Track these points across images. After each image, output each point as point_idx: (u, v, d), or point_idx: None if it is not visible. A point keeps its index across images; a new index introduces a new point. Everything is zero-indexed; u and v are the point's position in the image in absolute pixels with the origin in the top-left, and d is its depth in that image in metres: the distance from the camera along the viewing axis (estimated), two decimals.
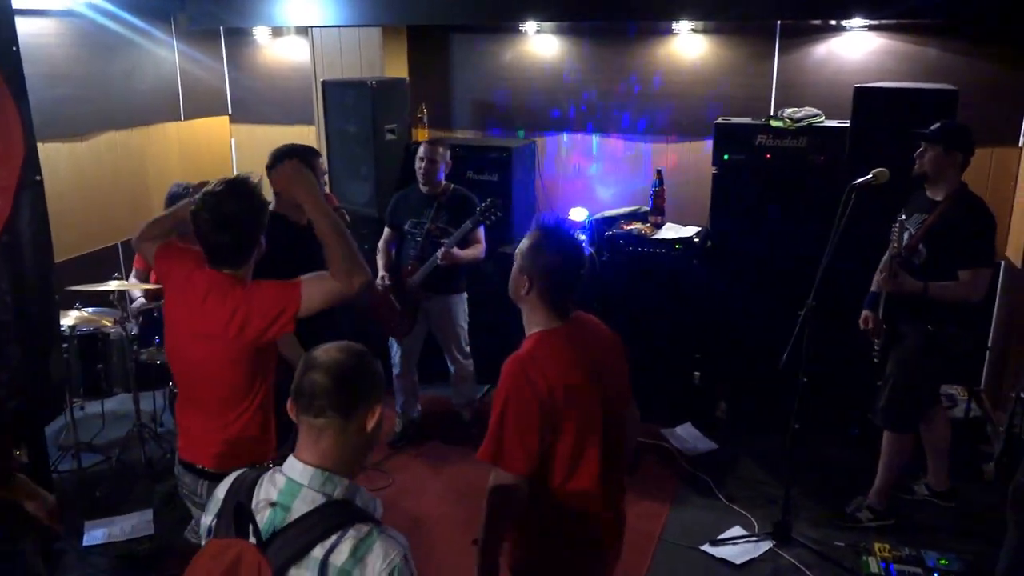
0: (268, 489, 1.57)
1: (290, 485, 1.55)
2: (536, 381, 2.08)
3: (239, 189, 2.34)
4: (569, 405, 2.11)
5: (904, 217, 3.48)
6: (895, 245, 3.46)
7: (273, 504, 1.54)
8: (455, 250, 4.19)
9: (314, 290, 2.27)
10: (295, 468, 1.57)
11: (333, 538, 1.47)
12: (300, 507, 1.52)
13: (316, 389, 1.54)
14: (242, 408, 2.38)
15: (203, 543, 1.62)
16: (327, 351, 1.60)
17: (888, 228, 3.66)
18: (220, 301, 2.29)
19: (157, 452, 4.43)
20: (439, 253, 4.17)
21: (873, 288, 3.80)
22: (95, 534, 3.79)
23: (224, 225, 2.30)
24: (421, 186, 4.28)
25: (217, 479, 2.36)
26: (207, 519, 1.66)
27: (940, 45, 4.65)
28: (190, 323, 2.37)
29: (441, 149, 4.29)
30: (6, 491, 2.39)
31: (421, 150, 4.30)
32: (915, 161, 3.53)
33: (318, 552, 1.47)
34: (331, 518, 1.50)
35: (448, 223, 4.27)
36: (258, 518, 1.52)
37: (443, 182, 4.31)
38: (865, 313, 3.77)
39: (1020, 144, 4.63)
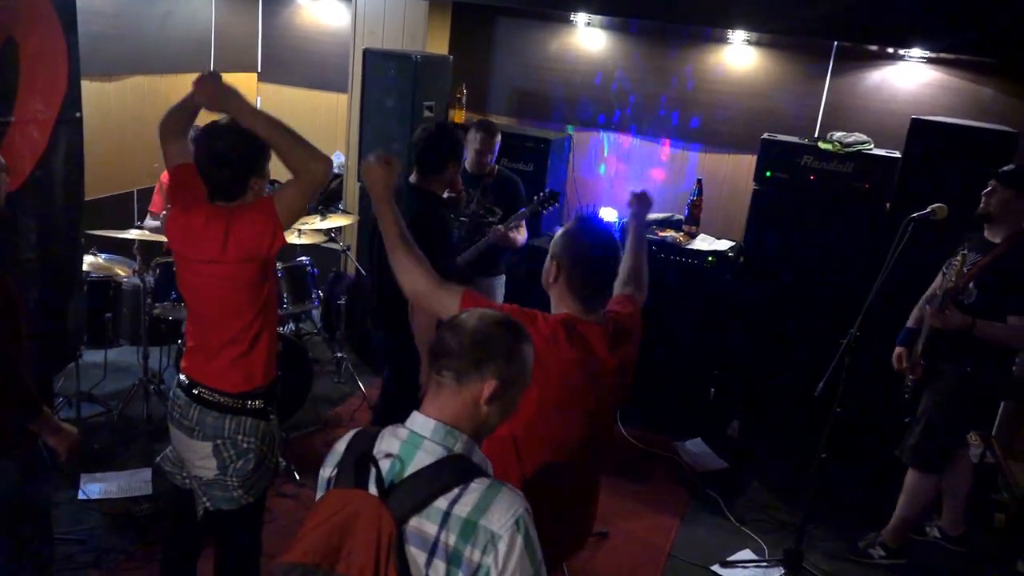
0: (390, 441, 1.57)
1: (413, 437, 1.55)
2: (541, 321, 2.06)
3: (235, 126, 2.35)
4: (558, 376, 2.04)
5: (961, 254, 3.40)
6: (951, 280, 3.38)
7: (393, 456, 1.54)
8: (512, 232, 4.08)
9: (286, 195, 2.33)
10: (416, 421, 1.57)
11: (456, 490, 1.47)
12: (422, 459, 1.52)
13: (442, 347, 1.58)
14: (242, 330, 2.41)
15: (318, 495, 1.64)
16: (470, 315, 1.62)
17: (934, 264, 3.61)
18: (215, 226, 2.33)
19: (159, 409, 4.31)
20: (492, 233, 4.06)
21: (909, 324, 3.74)
22: (91, 488, 3.68)
23: (216, 161, 2.35)
24: (469, 167, 4.17)
25: (212, 405, 2.41)
26: (326, 471, 1.65)
27: (995, 85, 4.59)
28: (191, 248, 2.42)
29: (498, 137, 4.24)
30: (34, 424, 2.42)
31: (478, 140, 4.18)
32: (978, 200, 3.45)
33: (441, 503, 1.46)
34: (454, 470, 1.50)
35: (495, 204, 4.20)
36: (383, 470, 1.53)
37: (490, 164, 4.24)
38: (899, 350, 3.71)
39: None
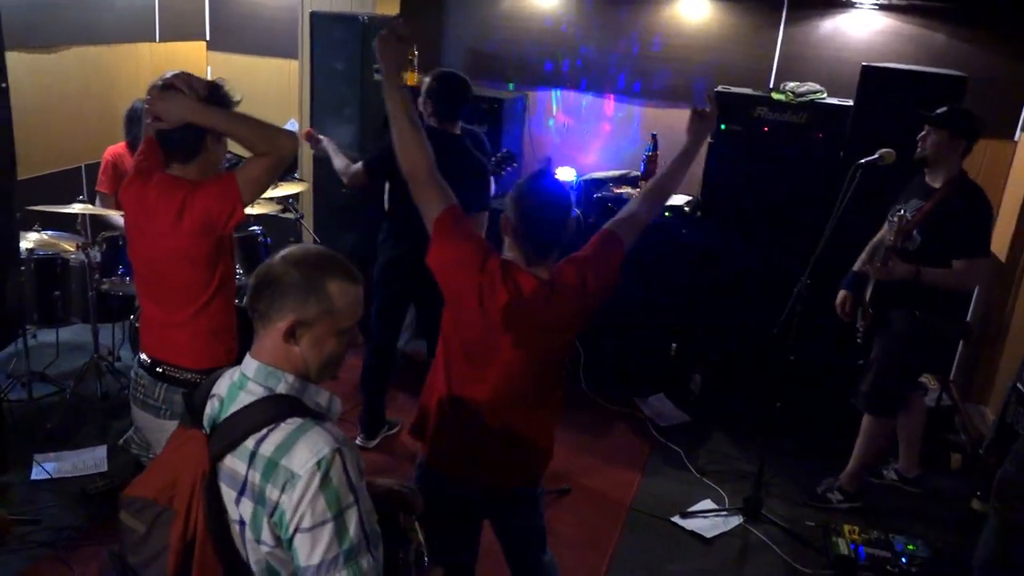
0: (222, 383, 1.61)
1: (240, 378, 1.57)
2: (491, 260, 2.16)
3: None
4: (488, 311, 2.13)
5: (901, 210, 3.39)
6: (890, 239, 3.39)
7: (219, 396, 1.58)
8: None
9: (251, 169, 2.30)
10: (246, 362, 1.59)
11: (265, 430, 1.48)
12: (243, 399, 1.54)
13: (250, 288, 1.59)
14: (200, 305, 2.38)
15: None
16: (281, 253, 1.61)
17: (886, 210, 3.61)
18: (171, 198, 2.29)
19: (114, 386, 4.26)
20: None
21: (855, 268, 3.75)
22: (45, 468, 3.62)
23: (162, 132, 2.31)
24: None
25: (179, 382, 2.38)
26: None
27: (947, 31, 4.57)
28: (144, 219, 2.37)
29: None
30: None
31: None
32: (917, 144, 3.45)
33: (250, 442, 1.48)
34: (267, 410, 1.50)
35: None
36: (208, 410, 1.58)
37: None
38: (843, 293, 3.73)
39: (1015, 139, 4.60)
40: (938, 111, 3.43)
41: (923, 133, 3.42)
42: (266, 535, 1.47)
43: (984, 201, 3.39)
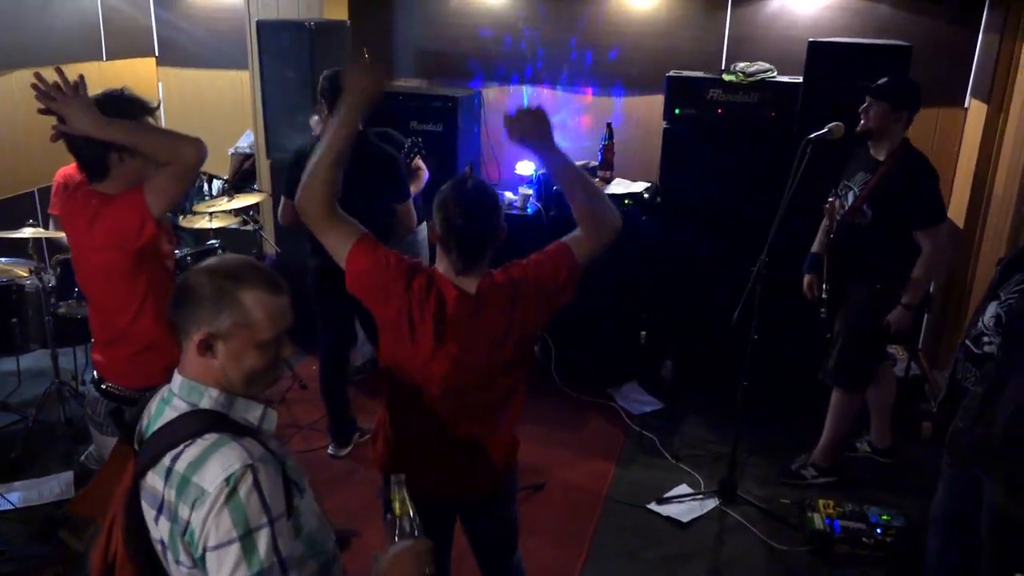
0: (154, 399, 1.57)
1: (168, 394, 1.54)
2: (418, 275, 2.08)
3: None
4: (412, 320, 2.07)
5: (832, 197, 3.43)
6: (827, 222, 3.44)
7: (150, 413, 1.55)
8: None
9: (157, 182, 2.26)
10: (173, 378, 1.55)
11: (181, 446, 1.43)
12: (168, 415, 1.50)
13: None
14: (127, 321, 2.36)
15: None
16: (198, 264, 1.57)
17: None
18: (87, 212, 2.30)
19: (78, 411, 4.18)
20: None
21: (815, 249, 3.77)
22: (10, 497, 3.55)
23: (72, 141, 2.30)
24: None
25: (122, 400, 2.34)
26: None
27: (891, 2, 4.60)
28: (70, 231, 2.39)
29: None
30: None
31: None
32: (860, 117, 3.46)
33: (167, 459, 1.44)
34: (187, 426, 1.46)
35: None
36: (140, 426, 1.55)
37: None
38: (808, 278, 3.75)
39: (965, 105, 4.64)
40: (878, 83, 3.43)
41: (865, 105, 3.43)
42: (183, 556, 1.42)
43: (929, 167, 3.41)
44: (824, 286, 3.62)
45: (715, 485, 3.73)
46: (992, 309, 2.49)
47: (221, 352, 1.48)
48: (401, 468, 2.14)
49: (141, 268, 2.33)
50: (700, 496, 3.70)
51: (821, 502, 3.52)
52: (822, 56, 4.11)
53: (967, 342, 2.59)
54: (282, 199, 3.76)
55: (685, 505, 3.64)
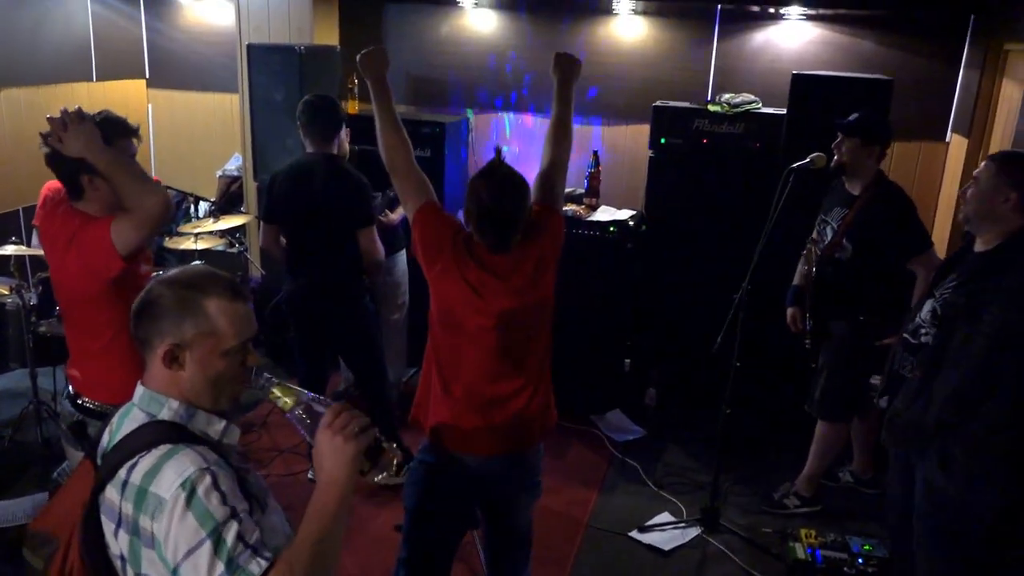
0: (117, 413, 1.56)
1: (128, 406, 1.53)
2: (464, 232, 2.38)
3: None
4: (463, 275, 2.33)
5: (809, 246, 3.51)
6: (805, 266, 3.53)
7: (112, 426, 1.54)
8: (383, 218, 4.07)
9: (120, 226, 2.28)
10: (136, 390, 1.54)
11: (136, 458, 1.41)
12: (128, 427, 1.48)
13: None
14: (106, 340, 2.36)
15: None
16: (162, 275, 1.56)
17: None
18: (64, 233, 2.32)
19: (55, 432, 4.12)
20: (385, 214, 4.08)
21: (796, 281, 3.79)
22: None
23: (48, 159, 2.33)
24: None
25: (98, 415, 2.33)
26: None
27: (875, 38, 4.69)
28: (54, 258, 2.40)
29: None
30: None
31: None
32: (833, 152, 3.48)
33: (123, 472, 1.41)
34: (142, 437, 1.44)
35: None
36: (103, 440, 1.54)
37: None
38: (791, 311, 3.76)
39: (947, 139, 4.71)
40: (848, 119, 3.47)
41: (837, 141, 3.47)
42: (147, 567, 1.39)
43: (905, 198, 3.45)
44: (808, 318, 3.63)
45: (697, 513, 3.71)
46: (928, 305, 2.66)
47: (187, 363, 1.47)
48: (453, 430, 2.37)
49: (116, 293, 2.31)
50: (682, 524, 3.68)
51: (803, 531, 3.50)
52: (806, 89, 4.18)
53: (905, 335, 2.74)
54: (261, 223, 3.76)
55: (667, 533, 3.62)
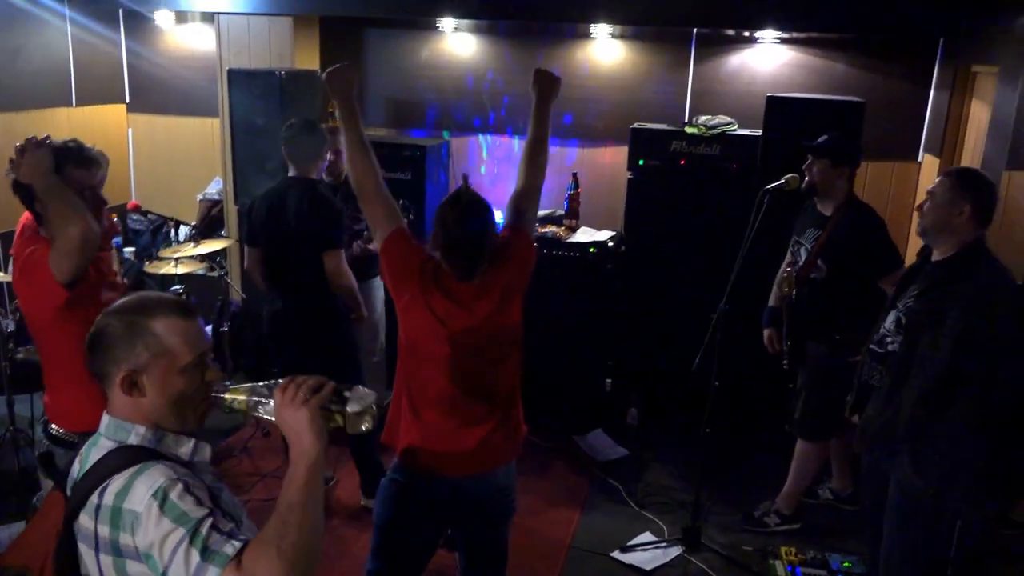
0: (86, 444, 1.56)
1: (96, 435, 1.53)
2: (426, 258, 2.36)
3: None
4: (428, 305, 2.31)
5: (788, 267, 3.59)
6: (786, 289, 3.58)
7: (82, 457, 1.54)
8: (371, 245, 4.08)
9: (54, 253, 2.29)
10: (102, 420, 1.54)
11: (107, 481, 1.43)
12: (94, 456, 1.49)
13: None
14: (68, 370, 2.35)
15: None
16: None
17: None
18: (23, 259, 2.36)
19: (33, 460, 4.09)
20: (355, 246, 4.07)
21: (772, 303, 3.83)
22: None
23: (13, 184, 2.36)
24: (324, 175, 4.10)
25: (60, 443, 2.35)
26: None
27: (847, 61, 4.78)
28: (14, 282, 2.43)
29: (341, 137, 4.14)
30: None
31: (328, 140, 4.10)
32: (804, 174, 3.53)
33: (95, 497, 1.43)
34: (113, 462, 1.45)
35: (356, 210, 4.14)
36: (73, 471, 1.54)
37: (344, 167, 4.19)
38: (768, 332, 3.79)
39: (919, 159, 4.80)
40: (817, 141, 3.54)
41: (808, 163, 3.53)
42: None
43: (876, 218, 3.51)
44: (785, 339, 3.67)
45: (679, 532, 3.73)
46: (892, 315, 2.77)
47: (147, 387, 1.49)
48: (422, 453, 2.38)
49: (75, 321, 2.28)
50: (664, 544, 3.69)
51: (783, 549, 3.53)
52: (780, 111, 4.25)
53: (872, 345, 2.84)
54: (246, 248, 3.78)
55: (649, 553, 3.63)
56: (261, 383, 1.51)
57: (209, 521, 1.36)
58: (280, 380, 1.47)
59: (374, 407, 1.49)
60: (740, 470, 4.30)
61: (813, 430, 3.71)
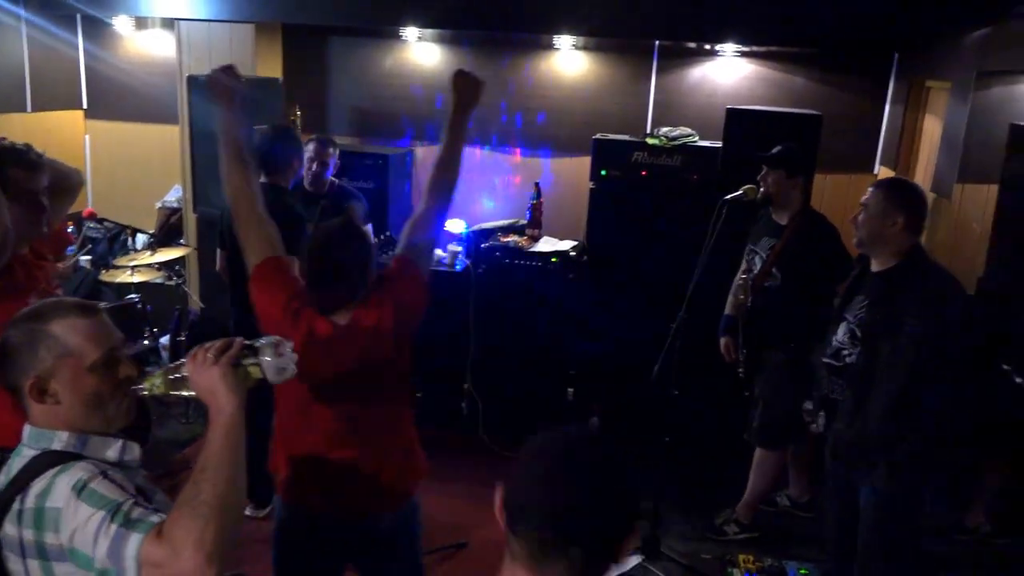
0: (12, 455, 1.51)
1: (19, 447, 1.49)
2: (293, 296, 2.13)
3: None
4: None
5: (744, 275, 3.62)
6: (741, 296, 3.61)
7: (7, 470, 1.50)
8: None
9: None
10: (24, 431, 1.50)
11: (28, 487, 1.40)
12: (18, 465, 1.46)
13: None
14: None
15: None
16: None
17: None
18: None
19: None
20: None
21: (728, 311, 3.86)
22: None
23: None
24: (307, 185, 4.06)
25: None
26: None
27: (805, 75, 4.87)
28: None
29: (331, 149, 4.10)
30: None
31: (311, 149, 4.07)
32: (759, 184, 3.56)
33: (16, 503, 1.40)
34: (35, 467, 1.43)
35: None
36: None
37: (327, 180, 4.15)
38: (724, 340, 3.82)
39: (875, 171, 4.89)
40: (771, 152, 3.58)
41: (763, 174, 3.57)
42: None
43: (830, 227, 3.56)
44: (741, 347, 3.70)
45: (638, 541, 3.73)
46: (843, 328, 2.76)
47: (60, 392, 1.46)
48: (301, 491, 2.23)
49: None
50: None
51: (741, 557, 3.54)
52: (740, 123, 4.30)
53: (827, 360, 2.84)
54: (218, 250, 3.77)
55: None
56: (171, 363, 1.50)
57: (131, 501, 1.35)
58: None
59: (291, 350, 1.47)
60: (700, 478, 4.31)
61: (772, 438, 3.74)
